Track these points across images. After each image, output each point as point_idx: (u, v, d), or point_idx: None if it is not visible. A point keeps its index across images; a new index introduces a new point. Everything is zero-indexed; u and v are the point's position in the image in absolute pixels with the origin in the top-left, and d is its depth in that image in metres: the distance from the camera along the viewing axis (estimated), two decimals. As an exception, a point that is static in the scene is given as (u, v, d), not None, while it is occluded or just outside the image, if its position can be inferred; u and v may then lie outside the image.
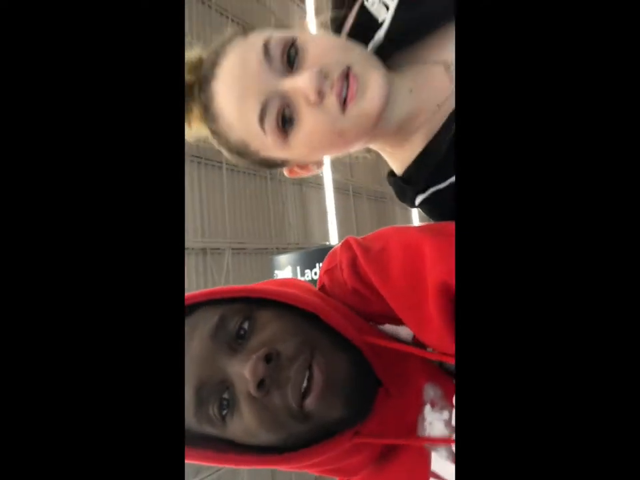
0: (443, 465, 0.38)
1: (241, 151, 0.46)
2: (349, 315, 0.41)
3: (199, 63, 0.45)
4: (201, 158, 5.39)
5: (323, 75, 0.40)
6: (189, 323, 0.38)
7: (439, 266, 0.36)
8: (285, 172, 0.52)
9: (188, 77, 0.46)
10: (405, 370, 0.39)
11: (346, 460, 0.39)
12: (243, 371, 0.33)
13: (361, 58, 0.43)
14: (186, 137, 0.47)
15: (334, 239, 7.14)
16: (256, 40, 0.42)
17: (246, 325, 0.36)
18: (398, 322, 0.42)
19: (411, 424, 0.38)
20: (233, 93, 0.42)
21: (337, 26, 0.49)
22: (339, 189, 7.63)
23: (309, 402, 0.34)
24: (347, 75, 0.40)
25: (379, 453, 0.39)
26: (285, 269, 4.24)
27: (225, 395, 0.35)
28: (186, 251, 5.05)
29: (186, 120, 0.47)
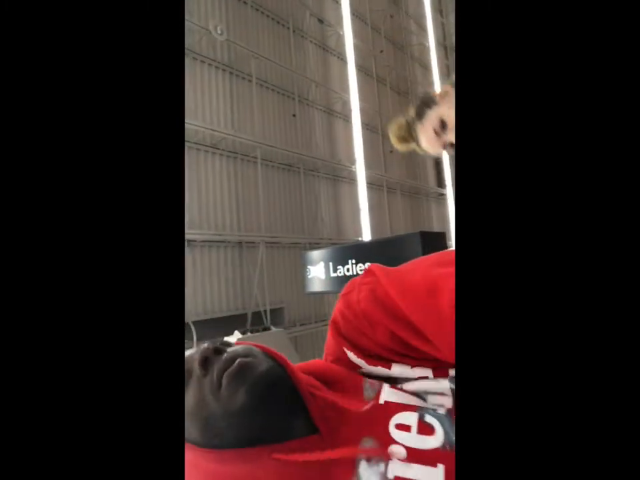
0: None
1: None
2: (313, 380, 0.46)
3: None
4: (237, 154, 5.52)
5: None
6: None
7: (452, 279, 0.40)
8: None
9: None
10: (344, 423, 0.42)
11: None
12: (197, 357, 0.45)
13: None
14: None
15: (367, 235, 7.11)
16: None
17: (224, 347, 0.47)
18: (389, 364, 0.46)
19: (346, 473, 0.39)
20: None
21: None
22: (373, 185, 7.59)
23: (225, 381, 0.41)
24: None
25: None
26: (318, 265, 4.27)
27: (188, 374, 0.45)
28: (222, 244, 5.20)
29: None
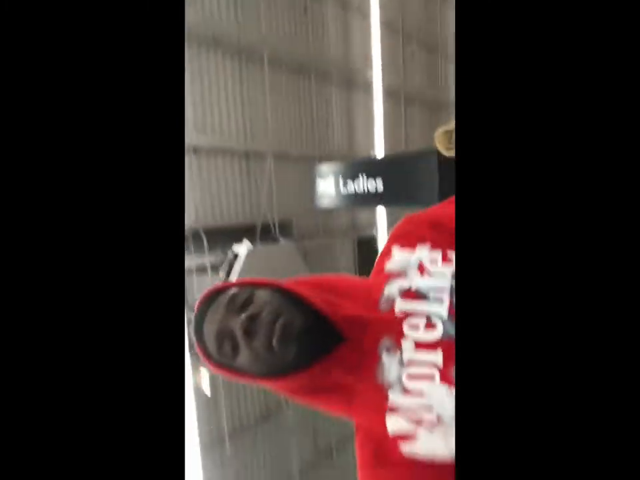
0: (399, 399, 0.54)
1: None
2: (323, 294, 0.60)
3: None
4: (242, 52, 5.07)
5: None
6: (218, 299, 0.60)
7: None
8: None
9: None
10: (365, 327, 0.57)
11: (316, 382, 0.58)
12: (237, 327, 0.56)
13: None
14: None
15: (380, 150, 6.82)
16: None
17: (247, 301, 0.58)
18: (414, 248, 0.65)
19: (372, 365, 0.56)
20: None
21: None
22: (390, 94, 7.06)
23: (275, 344, 0.54)
24: None
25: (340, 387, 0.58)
26: (328, 178, 4.15)
27: (234, 342, 0.57)
28: (229, 153, 5.03)
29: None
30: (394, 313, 0.57)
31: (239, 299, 0.57)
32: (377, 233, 6.25)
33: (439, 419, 0.50)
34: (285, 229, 5.58)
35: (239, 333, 0.55)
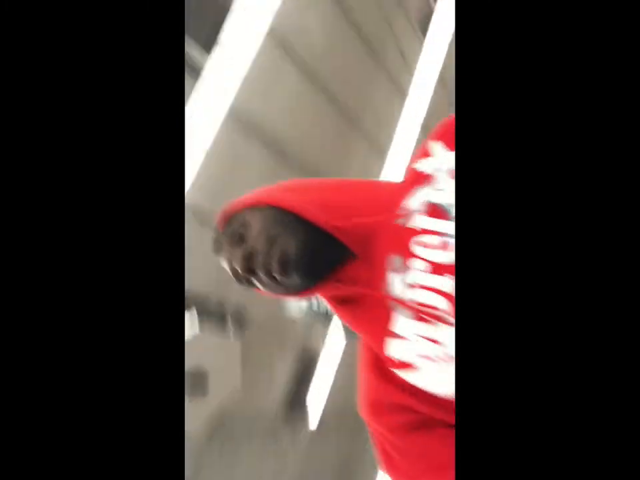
0: (403, 323, 0.50)
1: None
2: (329, 208, 0.54)
3: None
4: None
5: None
6: (225, 231, 0.57)
7: None
8: None
9: None
10: (374, 242, 0.53)
11: (330, 294, 0.57)
12: (239, 267, 0.53)
13: None
14: None
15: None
16: None
17: (241, 230, 0.54)
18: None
19: (379, 282, 0.51)
20: None
21: None
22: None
23: (277, 277, 0.51)
24: None
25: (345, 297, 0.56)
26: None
27: (244, 277, 0.54)
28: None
29: None
30: (409, 229, 0.52)
31: (236, 229, 0.55)
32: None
33: (445, 354, 0.45)
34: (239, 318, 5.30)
35: (243, 273, 0.53)
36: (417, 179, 0.55)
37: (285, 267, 0.50)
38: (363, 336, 0.56)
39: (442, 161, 0.54)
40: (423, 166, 0.55)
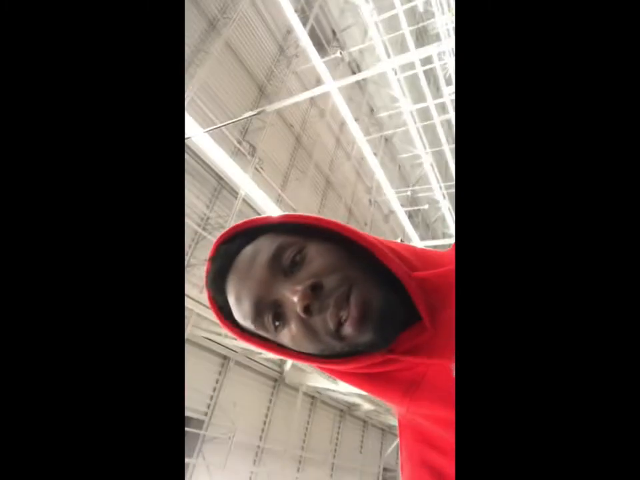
0: None
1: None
2: (402, 255, 0.44)
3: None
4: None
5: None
6: (254, 246, 0.44)
7: None
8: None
9: None
10: (448, 305, 0.41)
11: (377, 369, 0.43)
12: (293, 297, 0.40)
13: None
14: None
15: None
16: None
17: (298, 258, 0.42)
18: None
19: (449, 351, 0.40)
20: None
21: None
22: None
23: (345, 329, 0.39)
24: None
25: (409, 380, 0.43)
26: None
27: (278, 311, 0.42)
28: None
29: None
30: None
31: (287, 254, 0.42)
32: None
33: None
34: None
35: (293, 307, 0.40)
36: None
37: (364, 316, 0.39)
38: (416, 412, 0.43)
39: None
40: None
